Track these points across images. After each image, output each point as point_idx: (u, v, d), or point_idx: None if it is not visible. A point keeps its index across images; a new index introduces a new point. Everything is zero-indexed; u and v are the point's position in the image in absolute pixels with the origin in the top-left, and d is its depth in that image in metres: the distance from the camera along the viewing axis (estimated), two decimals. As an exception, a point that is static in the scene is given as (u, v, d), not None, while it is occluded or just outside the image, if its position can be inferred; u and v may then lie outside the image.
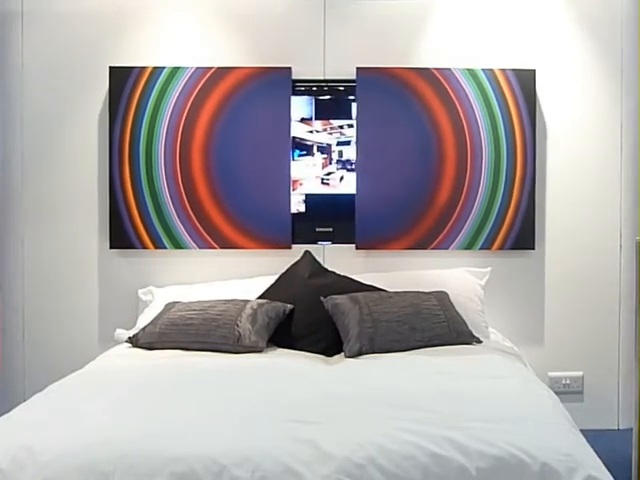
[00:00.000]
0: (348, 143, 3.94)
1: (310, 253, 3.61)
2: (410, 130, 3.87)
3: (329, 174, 3.94)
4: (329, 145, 3.95)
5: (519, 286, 3.94)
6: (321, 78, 3.91)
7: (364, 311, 3.17)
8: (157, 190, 3.86)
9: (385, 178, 3.86)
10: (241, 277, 3.79)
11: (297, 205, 3.95)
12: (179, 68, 3.84)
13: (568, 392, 3.91)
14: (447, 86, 3.85)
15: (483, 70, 3.85)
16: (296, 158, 3.93)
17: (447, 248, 3.89)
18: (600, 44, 3.92)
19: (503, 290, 3.90)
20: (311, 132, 3.95)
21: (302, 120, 3.93)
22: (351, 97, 3.91)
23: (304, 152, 3.94)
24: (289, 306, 3.30)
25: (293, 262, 3.59)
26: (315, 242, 3.90)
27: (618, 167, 3.94)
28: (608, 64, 3.92)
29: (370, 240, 3.88)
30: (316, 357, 3.10)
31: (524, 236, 3.89)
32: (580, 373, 3.97)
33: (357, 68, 3.84)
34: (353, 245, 3.88)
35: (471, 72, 3.85)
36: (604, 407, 3.96)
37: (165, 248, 3.86)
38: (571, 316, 3.96)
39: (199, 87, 3.84)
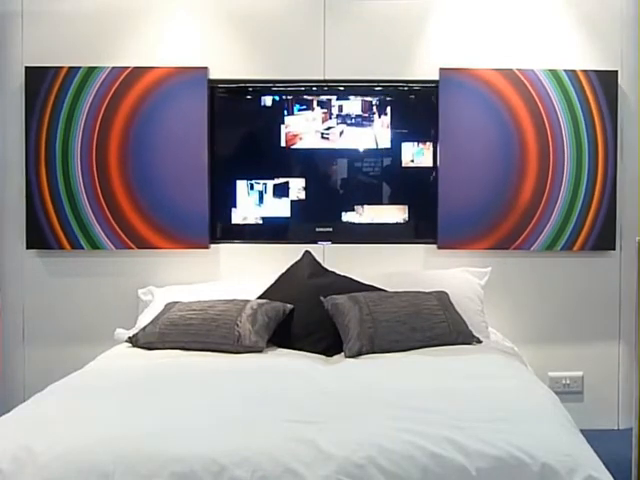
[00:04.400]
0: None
1: (310, 253, 3.59)
2: (493, 131, 3.86)
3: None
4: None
5: (518, 287, 3.95)
6: (321, 78, 3.91)
7: (364, 311, 3.17)
8: (73, 190, 3.84)
9: (468, 178, 3.86)
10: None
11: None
12: (95, 68, 3.83)
13: (568, 392, 3.90)
14: (530, 87, 3.84)
15: (565, 71, 3.84)
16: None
17: (529, 249, 3.89)
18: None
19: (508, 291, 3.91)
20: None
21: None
22: (348, 98, 3.92)
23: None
24: (289, 306, 3.30)
25: (294, 262, 3.57)
26: (315, 242, 3.89)
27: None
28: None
29: (452, 240, 3.88)
30: (316, 357, 3.09)
31: (604, 237, 3.88)
32: (580, 373, 3.97)
33: (440, 69, 3.84)
34: (434, 245, 3.90)
35: (553, 73, 3.84)
36: (604, 407, 3.96)
37: (82, 248, 3.85)
38: (570, 315, 3.96)
39: (115, 87, 3.83)
